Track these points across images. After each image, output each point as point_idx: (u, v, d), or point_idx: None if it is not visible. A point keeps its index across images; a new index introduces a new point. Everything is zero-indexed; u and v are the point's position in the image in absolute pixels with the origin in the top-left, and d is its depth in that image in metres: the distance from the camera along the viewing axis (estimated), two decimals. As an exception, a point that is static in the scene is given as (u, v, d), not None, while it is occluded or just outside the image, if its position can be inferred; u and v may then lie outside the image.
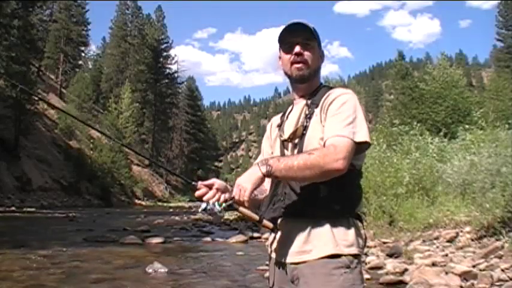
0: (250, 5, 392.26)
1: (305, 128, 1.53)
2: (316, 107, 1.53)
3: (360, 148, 1.45)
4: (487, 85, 45.90)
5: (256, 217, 1.48)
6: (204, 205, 1.40)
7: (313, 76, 1.60)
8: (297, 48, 1.55)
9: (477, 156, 8.47)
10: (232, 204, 1.41)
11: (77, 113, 39.94)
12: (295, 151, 1.54)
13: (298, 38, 1.55)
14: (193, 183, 1.46)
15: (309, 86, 1.60)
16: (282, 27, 1.59)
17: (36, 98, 26.00)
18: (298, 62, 1.56)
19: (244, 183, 1.38)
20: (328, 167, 1.36)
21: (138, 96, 55.72)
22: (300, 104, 1.61)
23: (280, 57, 1.63)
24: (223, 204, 1.41)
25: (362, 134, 1.44)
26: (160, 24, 63.24)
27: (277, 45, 1.63)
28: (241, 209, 1.45)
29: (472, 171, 8.16)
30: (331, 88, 1.58)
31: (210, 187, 1.43)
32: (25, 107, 27.82)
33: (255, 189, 1.39)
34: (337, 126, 1.43)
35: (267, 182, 1.57)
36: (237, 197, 1.38)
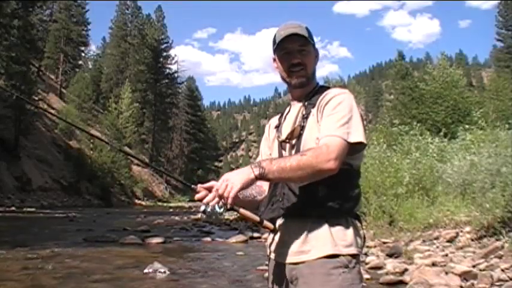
0: (250, 5, 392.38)
1: (302, 128, 1.53)
2: (313, 107, 1.54)
3: (355, 148, 1.45)
4: (487, 85, 45.80)
5: (257, 218, 1.48)
6: (203, 207, 1.41)
7: (311, 79, 1.61)
8: (295, 60, 1.55)
9: (477, 156, 8.45)
10: (232, 207, 1.41)
11: (76, 113, 40.04)
12: (293, 151, 1.54)
13: (294, 44, 1.55)
14: (192, 186, 1.46)
15: (307, 88, 1.61)
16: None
17: (35, 103, 26.02)
18: (297, 71, 1.56)
19: (234, 180, 1.34)
20: (320, 167, 1.36)
21: (138, 96, 55.74)
22: (297, 105, 1.62)
23: (274, 60, 1.63)
24: (223, 207, 1.41)
25: (357, 135, 1.44)
26: (160, 24, 63.21)
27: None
28: (241, 210, 1.46)
29: (472, 171, 8.15)
30: (328, 88, 1.59)
31: (209, 190, 1.42)
32: (25, 107, 27.80)
33: (242, 189, 1.35)
34: (331, 127, 1.44)
35: (266, 183, 1.57)
36: (220, 191, 1.33)
